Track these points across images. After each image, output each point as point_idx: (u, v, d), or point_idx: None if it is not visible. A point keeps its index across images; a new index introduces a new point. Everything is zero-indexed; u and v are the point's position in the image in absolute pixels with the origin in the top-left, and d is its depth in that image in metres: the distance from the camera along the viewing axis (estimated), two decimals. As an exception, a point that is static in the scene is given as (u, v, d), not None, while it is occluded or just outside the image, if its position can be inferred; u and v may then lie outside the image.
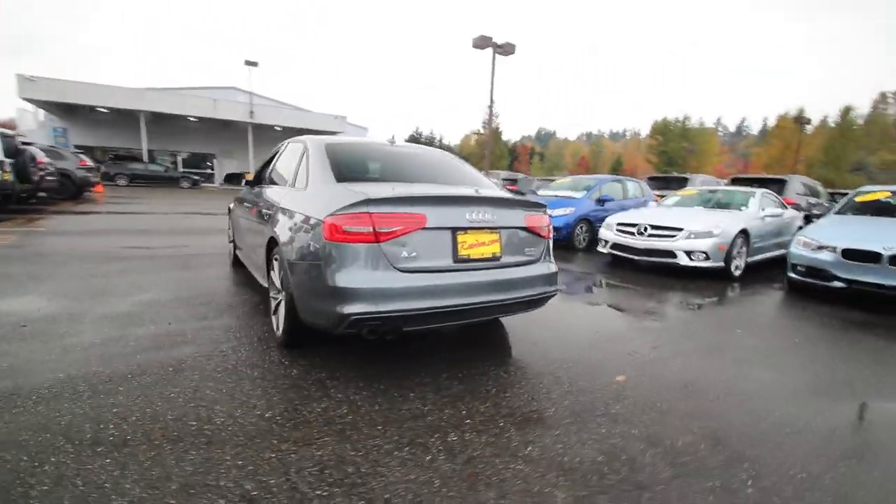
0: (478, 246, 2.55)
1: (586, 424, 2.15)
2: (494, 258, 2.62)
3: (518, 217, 2.75)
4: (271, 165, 3.83)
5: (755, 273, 6.56)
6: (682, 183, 12.61)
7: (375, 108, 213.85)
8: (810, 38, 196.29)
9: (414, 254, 2.37)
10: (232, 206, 5.14)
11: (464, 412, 2.22)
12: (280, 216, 2.88)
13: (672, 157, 56.22)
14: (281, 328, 2.84)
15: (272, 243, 2.98)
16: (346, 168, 2.82)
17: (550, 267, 2.94)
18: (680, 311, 4.46)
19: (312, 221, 2.43)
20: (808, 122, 37.67)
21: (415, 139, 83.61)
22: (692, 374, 2.84)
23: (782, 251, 7.39)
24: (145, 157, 26.30)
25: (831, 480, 1.81)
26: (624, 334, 3.61)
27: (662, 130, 60.31)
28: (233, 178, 5.38)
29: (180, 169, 28.87)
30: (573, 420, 2.19)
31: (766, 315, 4.59)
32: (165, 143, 30.86)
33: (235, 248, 5.03)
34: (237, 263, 5.21)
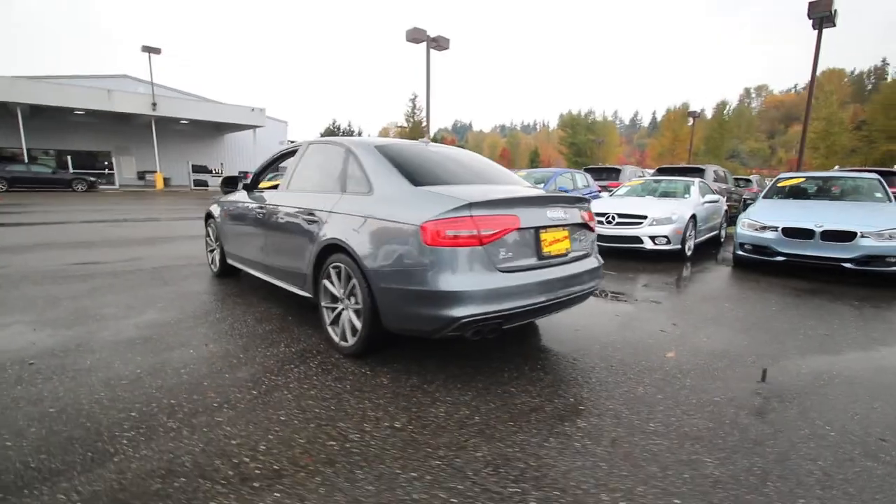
0: (555, 243, 2.69)
1: (677, 399, 2.40)
2: (566, 254, 2.77)
3: (578, 213, 2.92)
4: (291, 170, 3.61)
5: (697, 253, 7.43)
6: (613, 173, 13.74)
7: (294, 101, 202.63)
8: (693, 36, 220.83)
9: (509, 254, 2.45)
10: (216, 212, 4.72)
11: (571, 399, 2.35)
12: (340, 222, 2.77)
13: (581, 148, 60.33)
14: (351, 337, 2.75)
15: (329, 251, 2.86)
16: (415, 172, 2.78)
17: (599, 259, 3.16)
18: (666, 291, 4.97)
19: (404, 227, 2.39)
20: (698, 115, 42.33)
21: (331, 132, 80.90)
22: (720, 344, 3.24)
23: (714, 233, 8.47)
24: (26, 157, 22.64)
25: (880, 408, 2.23)
26: (639, 315, 3.97)
27: (571, 123, 64.41)
28: (231, 182, 4.74)
29: (71, 170, 25.21)
30: (664, 395, 2.43)
31: (735, 288, 5.26)
32: (49, 141, 26.85)
33: (224, 256, 4.65)
34: (226, 273, 4.83)
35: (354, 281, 2.65)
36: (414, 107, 47.95)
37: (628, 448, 1.93)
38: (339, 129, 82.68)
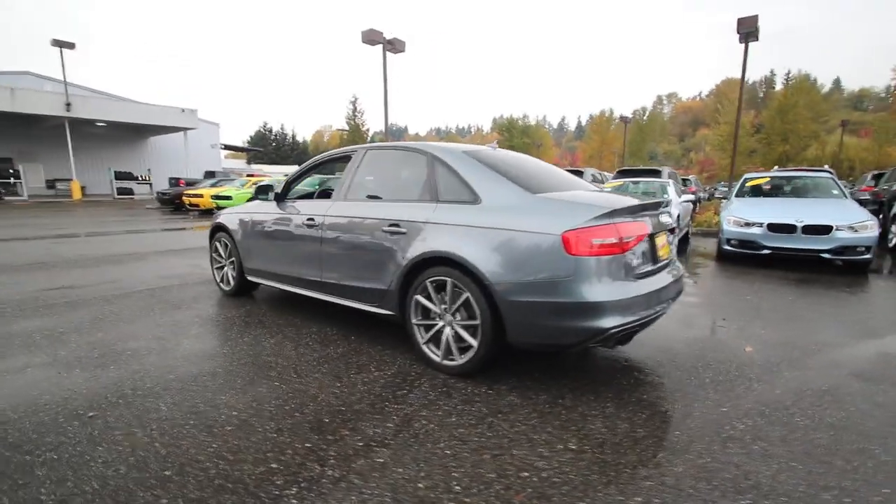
0: (663, 248, 2.70)
1: (799, 392, 2.50)
2: (668, 258, 2.80)
3: (668, 217, 2.96)
4: (348, 179, 3.33)
5: (679, 250, 7.91)
6: (577, 175, 14.28)
7: (221, 103, 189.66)
8: (610, 45, 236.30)
9: (639, 261, 2.42)
10: (232, 225, 4.26)
11: (727, 402, 2.37)
12: (444, 234, 2.58)
13: (518, 151, 62.44)
14: (459, 356, 2.58)
15: (424, 265, 2.66)
16: (519, 178, 2.67)
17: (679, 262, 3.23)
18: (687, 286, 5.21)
19: (540, 237, 2.27)
20: (629, 120, 45.21)
21: (262, 135, 77.04)
22: (777, 335, 3.44)
23: (686, 230, 9.06)
24: None
25: (971, 396, 2.46)
26: (688, 311, 4.11)
27: (507, 127, 66.41)
28: (265, 191, 4.14)
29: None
30: (783, 390, 2.52)
31: (739, 281, 5.62)
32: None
33: (243, 272, 4.21)
34: (243, 292, 4.39)
35: (467, 296, 2.49)
36: (355, 109, 46.87)
37: (816, 442, 1.97)
38: (270, 131, 78.98)
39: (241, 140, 72.40)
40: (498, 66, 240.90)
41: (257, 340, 3.20)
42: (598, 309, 2.19)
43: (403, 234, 2.78)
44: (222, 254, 4.50)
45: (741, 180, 8.15)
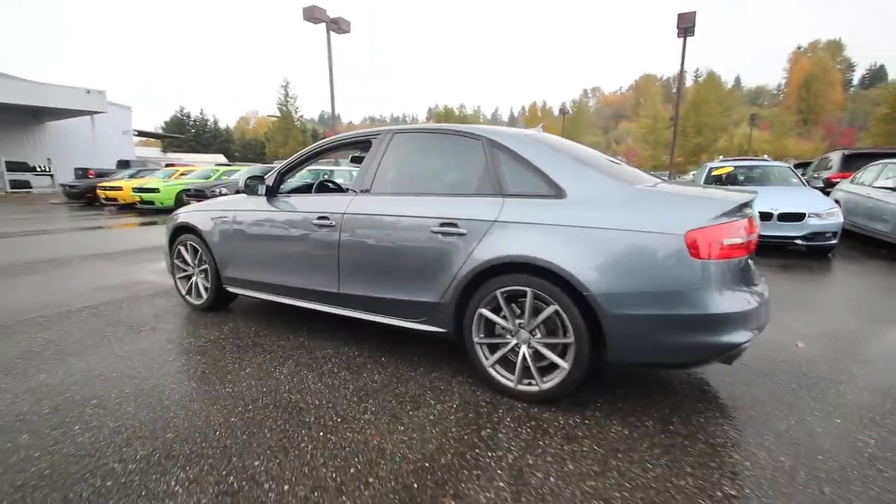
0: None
1: (863, 391, 2.36)
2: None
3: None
4: (372, 169, 2.74)
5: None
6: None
7: (134, 85, 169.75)
8: (539, 37, 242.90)
9: (753, 261, 2.13)
10: (204, 225, 3.47)
11: (794, 423, 2.15)
12: (522, 234, 2.12)
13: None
14: (541, 380, 2.16)
15: (493, 272, 2.20)
16: (602, 168, 2.27)
17: None
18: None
19: (656, 237, 1.90)
20: (567, 112, 46.57)
21: (179, 121, 70.47)
22: (809, 327, 3.38)
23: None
24: None
25: None
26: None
27: (445, 117, 66.18)
28: (255, 184, 3.15)
29: None
30: (830, 383, 2.37)
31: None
32: None
33: (221, 283, 3.47)
34: (218, 305, 3.64)
35: (554, 308, 2.07)
36: (287, 94, 44.03)
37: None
38: (188, 116, 72.38)
39: (153, 126, 65.64)
40: (431, 55, 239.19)
41: (265, 372, 2.56)
42: (728, 322, 1.86)
43: (462, 235, 2.29)
44: (189, 260, 3.70)
45: (706, 170, 8.40)
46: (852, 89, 79.60)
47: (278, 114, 44.12)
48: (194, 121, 72.60)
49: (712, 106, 57.57)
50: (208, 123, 73.85)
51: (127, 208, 14.06)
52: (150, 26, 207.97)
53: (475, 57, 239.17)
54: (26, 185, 22.62)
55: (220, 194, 11.50)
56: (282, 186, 3.31)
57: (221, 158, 45.67)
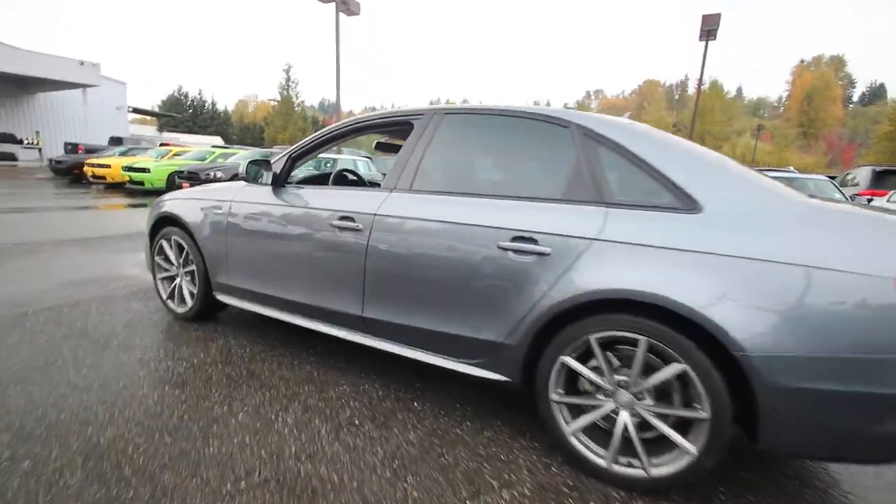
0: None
1: None
2: None
3: None
4: (414, 159, 2.09)
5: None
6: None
7: (132, 62, 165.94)
8: (545, 38, 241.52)
9: None
10: (190, 215, 2.82)
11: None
12: (638, 260, 1.51)
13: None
14: (652, 462, 1.55)
15: (589, 310, 1.59)
16: (747, 175, 1.67)
17: None
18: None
19: (847, 280, 1.29)
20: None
21: (177, 100, 68.92)
22: None
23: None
24: None
25: None
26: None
27: (448, 110, 65.37)
28: (257, 170, 2.33)
29: None
30: None
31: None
32: None
33: (211, 289, 2.84)
34: (205, 314, 3.01)
35: (682, 368, 1.46)
36: (288, 78, 43.08)
37: None
38: (185, 96, 70.84)
39: (150, 105, 64.12)
40: (434, 51, 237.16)
41: (264, 421, 1.93)
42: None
43: (544, 255, 1.67)
44: (173, 259, 3.06)
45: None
46: (852, 106, 79.80)
47: (279, 98, 43.17)
48: (192, 101, 71.14)
49: (716, 114, 57.35)
50: (206, 104, 72.40)
51: (115, 188, 13.29)
52: (151, 3, 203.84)
53: (478, 53, 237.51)
54: (12, 157, 21.69)
55: (216, 179, 10.79)
56: (291, 175, 2.68)
57: (218, 141, 44.51)
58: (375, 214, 2.08)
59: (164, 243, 3.08)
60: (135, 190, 12.43)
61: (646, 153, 1.67)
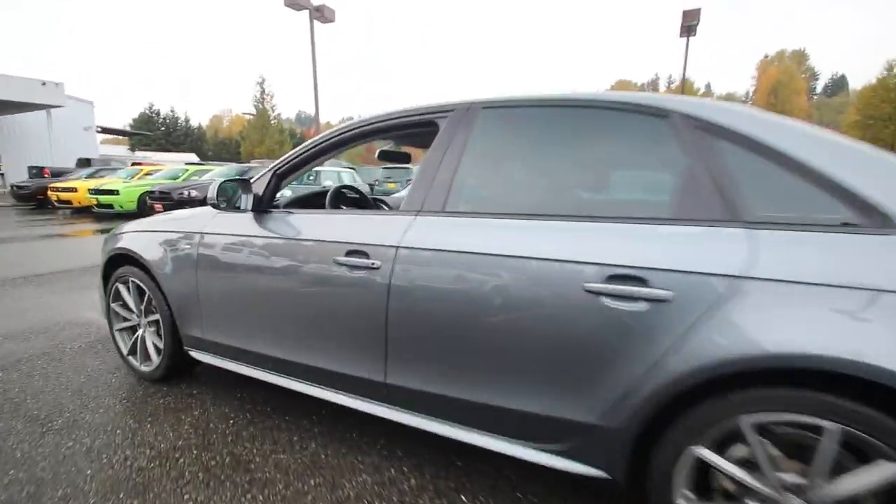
0: None
1: None
2: None
3: None
4: (443, 171, 1.54)
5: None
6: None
7: (99, 81, 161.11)
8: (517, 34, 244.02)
9: None
10: (152, 254, 2.24)
11: None
12: (815, 310, 1.00)
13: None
14: None
15: (729, 382, 1.08)
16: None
17: None
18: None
19: None
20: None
21: (148, 118, 67.08)
22: None
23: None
24: None
25: None
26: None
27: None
28: (231, 192, 2.03)
29: None
30: None
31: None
32: None
33: (181, 343, 2.25)
34: (178, 371, 2.42)
35: (900, 472, 0.96)
36: (263, 91, 42.05)
37: None
38: (157, 114, 69.00)
39: (122, 124, 62.26)
40: (415, 51, 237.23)
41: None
42: None
43: (661, 301, 1.16)
44: (131, 305, 2.47)
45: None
46: (816, 97, 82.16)
47: (254, 112, 42.17)
48: (164, 118, 69.40)
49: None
50: (179, 121, 70.73)
51: (83, 212, 12.44)
52: (117, 20, 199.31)
53: (457, 55, 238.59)
54: (-29, 185, 20.45)
55: (190, 198, 10.10)
56: (276, 197, 2.13)
57: (193, 157, 43.30)
58: (398, 247, 1.54)
59: (121, 287, 2.48)
60: (103, 214, 11.60)
61: (794, 150, 1.17)
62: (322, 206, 2.27)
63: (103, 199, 11.30)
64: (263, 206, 2.00)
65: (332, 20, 15.07)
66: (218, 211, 2.07)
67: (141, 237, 2.34)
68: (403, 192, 3.28)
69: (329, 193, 2.28)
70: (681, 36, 16.18)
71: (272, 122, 43.22)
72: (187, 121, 73.16)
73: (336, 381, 1.76)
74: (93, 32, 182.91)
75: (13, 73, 20.62)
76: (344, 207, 2.41)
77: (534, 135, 1.54)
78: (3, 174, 21.18)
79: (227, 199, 1.96)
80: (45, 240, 7.88)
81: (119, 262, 2.48)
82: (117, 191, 11.22)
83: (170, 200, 10.10)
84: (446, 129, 1.64)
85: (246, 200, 1.95)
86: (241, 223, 1.99)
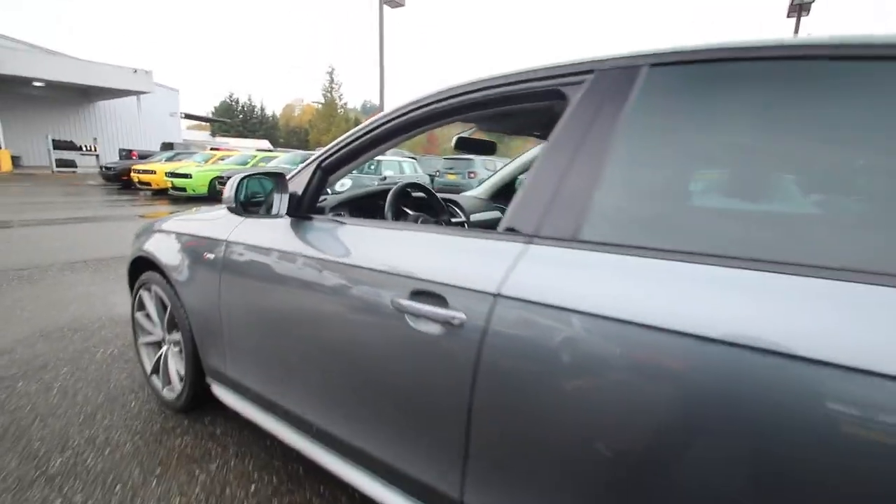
0: None
1: None
2: None
3: None
4: (596, 172, 0.90)
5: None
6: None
7: (187, 70, 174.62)
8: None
9: None
10: (172, 259, 1.81)
11: None
12: None
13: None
14: None
15: None
16: None
17: None
18: None
19: None
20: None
21: (228, 106, 71.34)
22: None
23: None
24: None
25: None
26: None
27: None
28: (268, 187, 1.47)
29: None
30: None
31: None
32: None
33: (204, 372, 1.81)
34: (199, 404, 1.99)
35: None
36: (332, 80, 43.10)
37: None
38: (237, 102, 73.21)
39: (205, 111, 66.67)
40: (480, 44, 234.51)
41: None
42: None
43: None
44: (155, 317, 2.07)
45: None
46: None
47: (323, 101, 43.34)
48: (242, 106, 73.55)
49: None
50: (255, 109, 74.64)
51: (160, 194, 13.00)
52: (202, 12, 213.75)
53: (535, 38, 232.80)
54: (72, 164, 22.43)
55: (255, 184, 10.11)
56: (322, 196, 1.61)
57: (266, 144, 45.29)
58: (497, 295, 0.93)
59: (145, 295, 2.09)
60: (178, 196, 12.04)
61: None
62: (380, 211, 1.72)
63: (178, 182, 11.70)
64: (303, 211, 1.47)
65: (402, 3, 14.68)
66: (248, 218, 1.57)
67: (164, 239, 1.92)
68: (479, 189, 2.63)
69: (390, 196, 1.71)
70: (788, 16, 14.19)
71: (339, 111, 44.22)
72: (262, 109, 77.09)
73: (387, 475, 1.20)
74: (181, 21, 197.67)
75: (107, 62, 22.24)
76: (410, 213, 1.84)
77: (773, 112, 0.85)
78: (97, 155, 22.98)
79: (247, 200, 1.44)
80: (116, 222, 8.11)
81: (143, 265, 2.09)
82: (190, 175, 11.57)
83: (236, 186, 10.20)
84: (583, 103, 0.99)
85: (281, 202, 1.42)
86: (274, 231, 1.48)
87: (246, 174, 1.41)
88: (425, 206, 2.11)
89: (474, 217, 2.32)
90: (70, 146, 23.10)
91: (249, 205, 1.45)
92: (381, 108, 15.64)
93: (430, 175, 13.82)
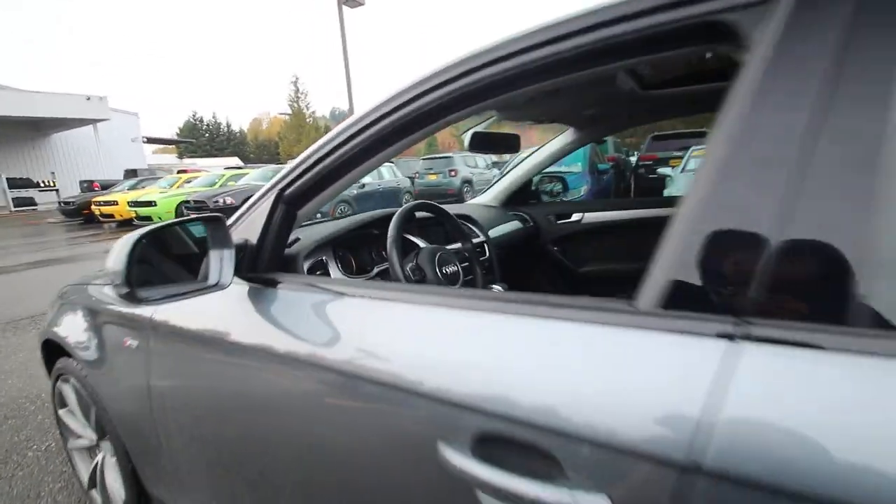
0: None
1: None
2: None
3: None
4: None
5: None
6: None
7: (146, 93, 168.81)
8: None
9: None
10: (86, 352, 1.27)
11: None
12: None
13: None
14: None
15: None
16: None
17: None
18: None
19: None
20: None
21: (193, 126, 69.32)
22: None
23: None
24: None
25: None
26: None
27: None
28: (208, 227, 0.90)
29: None
30: None
31: None
32: None
33: (148, 495, 1.28)
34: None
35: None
36: (297, 90, 41.96)
37: None
38: (201, 121, 71.19)
39: (169, 133, 64.69)
40: (450, 36, 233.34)
41: None
42: None
43: None
44: (80, 417, 1.52)
45: None
46: None
47: (290, 112, 42.25)
48: (207, 125, 71.67)
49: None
50: (221, 126, 72.79)
51: (126, 224, 12.18)
52: (158, 33, 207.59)
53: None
54: (31, 202, 21.24)
55: (226, 206, 9.45)
56: (293, 237, 1.09)
57: (236, 161, 44.06)
58: (696, 469, 0.43)
59: (65, 387, 1.54)
60: (144, 226, 11.25)
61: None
62: (376, 247, 1.20)
63: (142, 211, 10.94)
64: (262, 270, 0.94)
65: (362, 3, 14.07)
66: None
67: (74, 317, 1.37)
68: (488, 195, 2.08)
69: (393, 225, 1.17)
70: None
71: (308, 120, 43.17)
72: (229, 125, 75.26)
73: None
74: (132, 45, 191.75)
75: (56, 91, 21.05)
76: (421, 244, 1.31)
77: None
78: (57, 190, 21.81)
79: (154, 268, 0.91)
80: (80, 262, 7.38)
81: (56, 349, 1.53)
82: (154, 202, 10.82)
83: (206, 210, 9.51)
84: (794, 37, 0.49)
85: (220, 263, 0.89)
86: (221, 306, 0.95)
87: (149, 229, 0.88)
88: (431, 226, 1.60)
89: (493, 233, 1.82)
90: (27, 183, 21.90)
91: (160, 276, 0.91)
92: (350, 112, 15.02)
93: (409, 178, 13.25)
